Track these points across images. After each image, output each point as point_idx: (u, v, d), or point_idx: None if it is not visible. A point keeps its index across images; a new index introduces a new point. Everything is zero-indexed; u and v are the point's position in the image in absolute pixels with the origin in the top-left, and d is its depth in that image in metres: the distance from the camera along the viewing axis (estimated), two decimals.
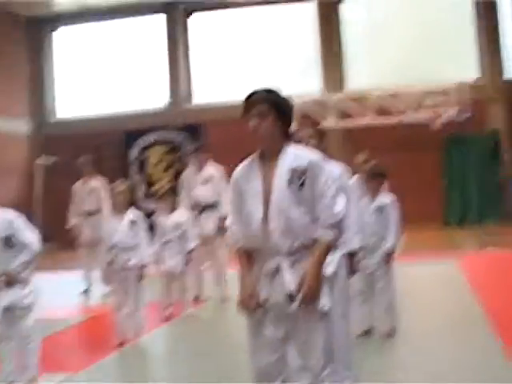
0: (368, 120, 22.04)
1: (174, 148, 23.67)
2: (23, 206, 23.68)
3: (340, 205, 4.59)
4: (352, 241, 6.10)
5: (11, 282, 6.64)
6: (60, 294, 13.06)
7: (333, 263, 5.91)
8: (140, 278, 8.80)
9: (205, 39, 24.92)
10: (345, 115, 22.60)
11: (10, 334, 6.68)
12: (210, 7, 24.68)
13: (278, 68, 24.25)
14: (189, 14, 24.94)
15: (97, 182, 13.05)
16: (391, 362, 7.33)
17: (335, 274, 5.90)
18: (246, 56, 24.52)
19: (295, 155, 4.52)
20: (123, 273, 8.74)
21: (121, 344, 8.64)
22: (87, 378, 7.46)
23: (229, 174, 5.00)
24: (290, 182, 4.46)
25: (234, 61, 24.58)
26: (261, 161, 4.58)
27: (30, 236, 6.69)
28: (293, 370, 4.64)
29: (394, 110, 21.57)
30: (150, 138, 23.86)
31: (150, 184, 23.74)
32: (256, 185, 4.53)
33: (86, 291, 12.84)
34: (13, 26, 24.67)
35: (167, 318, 10.16)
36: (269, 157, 4.55)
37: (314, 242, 4.53)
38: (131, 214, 8.87)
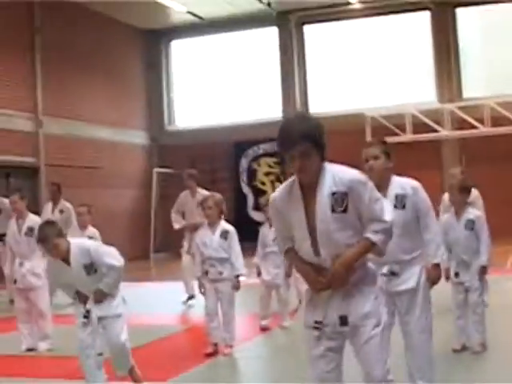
0: (484, 129, 21.59)
1: (282, 159, 23.70)
2: (140, 215, 24.27)
3: (389, 215, 4.45)
4: (435, 255, 5.98)
5: (100, 299, 6.97)
6: (167, 303, 13.25)
7: (413, 277, 5.86)
8: (234, 288, 8.83)
9: (317, 50, 24.93)
10: (460, 124, 22.21)
11: (98, 342, 7.00)
12: (322, 19, 24.69)
13: (393, 78, 24.03)
14: (301, 25, 25.01)
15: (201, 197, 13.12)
16: (483, 380, 7.08)
17: (416, 288, 5.86)
18: (360, 66, 24.40)
19: (334, 178, 4.36)
20: (217, 284, 8.80)
21: (212, 354, 8.69)
22: None
23: None
24: (333, 208, 4.34)
25: (347, 72, 24.49)
26: (300, 185, 4.44)
27: (110, 259, 6.98)
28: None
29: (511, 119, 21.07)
30: (260, 148, 24.00)
31: (258, 195, 23.89)
32: (300, 213, 4.42)
33: (187, 301, 12.96)
34: (130, 39, 25.30)
35: (263, 330, 10.15)
36: (308, 184, 4.41)
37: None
38: (223, 226, 8.93)
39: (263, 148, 24.02)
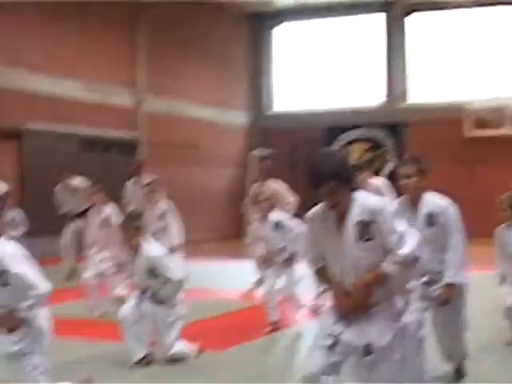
0: None
1: (374, 146, 23.74)
2: (236, 195, 24.57)
3: (408, 247, 4.59)
4: (448, 275, 6.10)
5: (157, 301, 7.44)
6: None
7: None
8: (289, 264, 9.15)
9: (422, 39, 24.73)
10: None
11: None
12: (429, 8, 24.46)
13: (496, 70, 23.60)
14: (408, 13, 24.86)
15: (272, 186, 13.51)
16: None
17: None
18: (463, 57, 24.10)
19: (360, 207, 4.59)
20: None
21: (271, 331, 8.95)
22: (230, 358, 7.87)
23: None
24: (358, 237, 4.56)
25: (449, 61, 24.22)
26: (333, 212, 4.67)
27: (171, 273, 7.43)
28: None
29: None
30: (352, 134, 24.03)
31: None
32: (332, 238, 4.65)
33: (255, 284, 13.23)
34: (234, 21, 25.64)
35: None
36: (340, 212, 4.63)
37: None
38: (273, 217, 9.23)
39: (355, 134, 23.99)
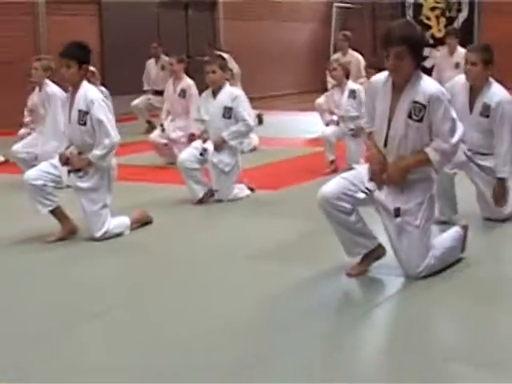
0: None
1: None
2: (319, 49, 24.61)
3: (456, 137, 4.91)
4: (501, 170, 6.27)
5: (218, 146, 7.92)
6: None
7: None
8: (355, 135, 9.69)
9: None
10: None
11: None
12: None
13: None
14: None
15: (352, 56, 13.83)
16: None
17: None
18: None
19: (419, 88, 4.86)
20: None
21: (330, 172, 9.38)
22: (278, 197, 8.42)
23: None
24: (410, 115, 4.87)
25: None
26: (393, 83, 4.99)
27: (246, 115, 7.99)
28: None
29: None
30: None
31: (422, 30, 23.43)
32: (384, 107, 4.99)
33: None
34: None
35: None
36: (398, 84, 4.95)
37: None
38: (350, 86, 9.70)
39: None
